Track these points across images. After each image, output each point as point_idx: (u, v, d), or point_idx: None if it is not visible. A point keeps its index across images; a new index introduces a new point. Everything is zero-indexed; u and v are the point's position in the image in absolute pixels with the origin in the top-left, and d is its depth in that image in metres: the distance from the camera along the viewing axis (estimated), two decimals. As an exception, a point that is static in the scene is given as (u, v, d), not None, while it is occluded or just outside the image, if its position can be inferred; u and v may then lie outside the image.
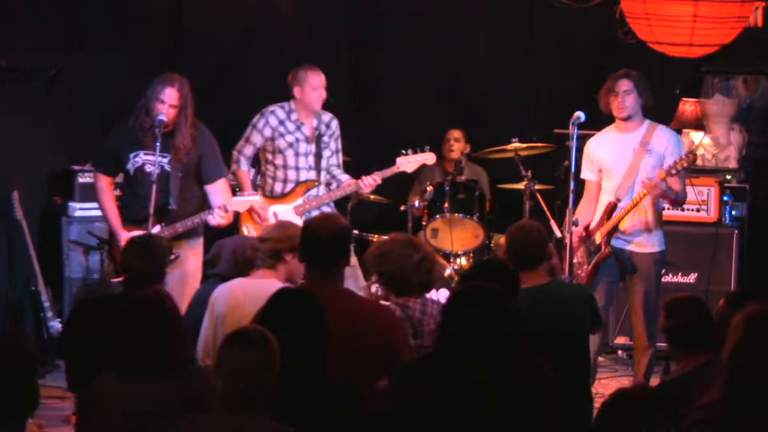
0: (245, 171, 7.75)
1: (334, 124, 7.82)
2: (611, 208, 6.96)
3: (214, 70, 9.24)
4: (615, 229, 6.96)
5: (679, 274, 8.26)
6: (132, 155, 6.98)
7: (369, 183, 7.68)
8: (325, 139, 7.77)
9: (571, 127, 6.86)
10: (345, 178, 7.81)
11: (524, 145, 8.66)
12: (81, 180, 8.47)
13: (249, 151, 7.73)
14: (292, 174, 7.70)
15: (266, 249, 5.47)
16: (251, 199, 7.22)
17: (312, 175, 7.73)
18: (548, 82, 9.54)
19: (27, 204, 8.13)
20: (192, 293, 6.31)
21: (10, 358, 3.87)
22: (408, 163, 7.86)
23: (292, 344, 4.13)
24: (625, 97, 6.98)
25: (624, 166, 7.00)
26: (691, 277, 8.28)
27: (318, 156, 7.73)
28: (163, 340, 4.14)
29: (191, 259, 7.03)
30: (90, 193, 8.31)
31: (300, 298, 4.32)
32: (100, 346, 4.99)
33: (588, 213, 7.13)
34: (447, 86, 9.69)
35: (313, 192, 7.72)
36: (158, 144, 6.81)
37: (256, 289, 4.80)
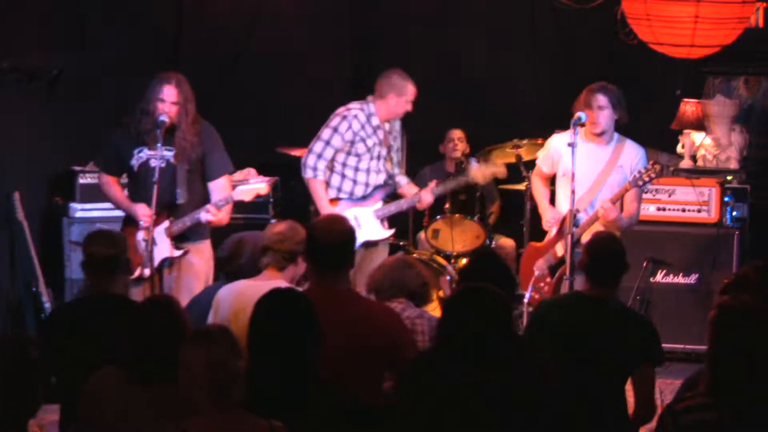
0: (322, 180, 7.52)
1: (398, 123, 7.78)
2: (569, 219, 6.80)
3: (215, 70, 9.24)
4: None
5: (680, 274, 8.25)
6: (136, 151, 6.91)
7: (426, 200, 7.69)
8: (392, 141, 7.75)
9: (572, 127, 6.85)
10: (404, 181, 7.78)
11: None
12: (82, 180, 8.45)
13: (329, 154, 7.51)
14: (362, 176, 7.62)
15: (283, 250, 5.39)
16: (256, 186, 6.93)
17: (383, 178, 7.71)
18: (548, 83, 9.53)
19: (28, 204, 8.13)
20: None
21: (9, 361, 3.86)
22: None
23: (285, 344, 4.12)
24: (599, 113, 6.94)
25: (588, 180, 6.94)
26: (692, 278, 8.26)
27: (390, 159, 7.74)
28: (171, 344, 4.11)
29: (195, 262, 6.92)
30: (91, 194, 8.32)
31: (290, 299, 4.29)
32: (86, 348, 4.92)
33: (546, 196, 7.25)
34: (447, 86, 9.68)
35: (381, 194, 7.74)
36: (159, 145, 6.77)
37: (263, 291, 4.73)
